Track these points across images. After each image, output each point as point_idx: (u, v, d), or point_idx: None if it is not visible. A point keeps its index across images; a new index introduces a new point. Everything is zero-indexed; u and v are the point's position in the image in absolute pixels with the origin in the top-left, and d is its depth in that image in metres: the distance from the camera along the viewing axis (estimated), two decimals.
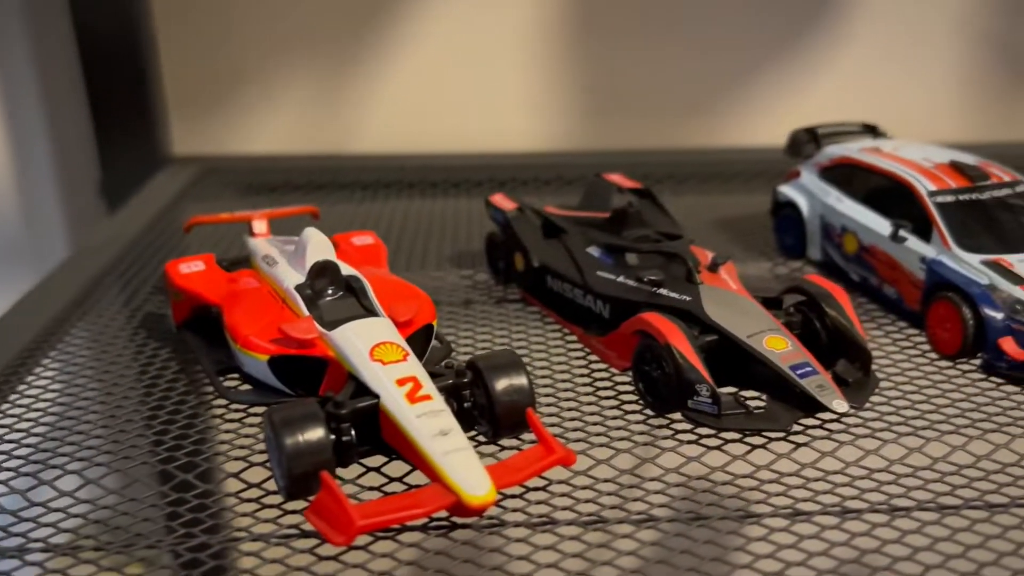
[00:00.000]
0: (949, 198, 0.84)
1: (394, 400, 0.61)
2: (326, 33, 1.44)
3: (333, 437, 0.60)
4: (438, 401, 0.61)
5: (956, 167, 0.87)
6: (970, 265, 0.79)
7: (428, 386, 0.62)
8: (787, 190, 1.01)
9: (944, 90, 1.52)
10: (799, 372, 0.67)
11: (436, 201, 1.28)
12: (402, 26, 1.44)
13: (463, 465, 0.56)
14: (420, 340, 0.73)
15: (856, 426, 0.69)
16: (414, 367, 0.63)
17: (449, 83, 1.47)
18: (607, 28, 1.46)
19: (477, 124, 1.49)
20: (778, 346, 0.69)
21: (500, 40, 1.45)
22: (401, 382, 0.62)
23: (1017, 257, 0.79)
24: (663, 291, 0.76)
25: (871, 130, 1.05)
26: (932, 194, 0.84)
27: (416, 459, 0.59)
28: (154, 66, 1.41)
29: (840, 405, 0.66)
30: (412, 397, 0.61)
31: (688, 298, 0.75)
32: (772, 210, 1.03)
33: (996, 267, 0.78)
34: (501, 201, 0.95)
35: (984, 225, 0.82)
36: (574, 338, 0.83)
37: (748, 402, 0.69)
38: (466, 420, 0.66)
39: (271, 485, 0.62)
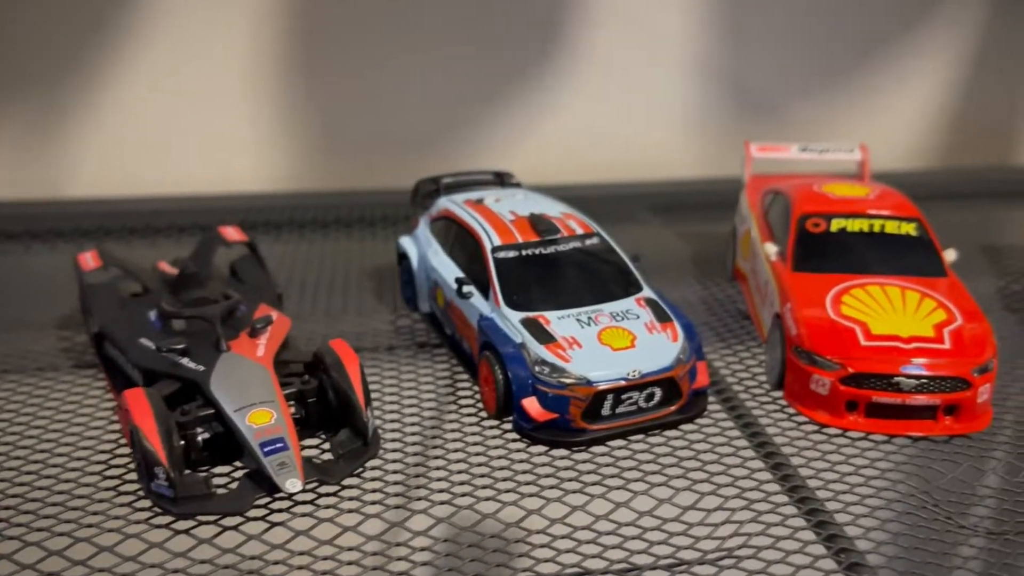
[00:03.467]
0: (510, 254, 0.83)
1: None
2: (31, 70, 1.38)
3: None
4: None
5: (531, 221, 0.87)
6: (511, 323, 0.78)
7: None
8: (404, 241, 0.99)
9: (678, 127, 1.55)
10: (267, 448, 0.65)
11: (130, 248, 1.22)
12: (116, 63, 1.38)
13: None
14: None
15: (353, 498, 0.67)
16: None
17: (166, 122, 1.41)
18: (323, 66, 1.43)
19: (197, 165, 1.44)
20: (260, 420, 0.67)
21: (219, 78, 1.41)
22: None
23: (558, 314, 0.78)
24: (183, 361, 0.73)
25: (500, 178, 1.04)
26: (494, 250, 0.83)
27: None
28: None
29: (293, 485, 0.63)
30: None
31: (201, 368, 0.72)
32: (398, 260, 1.01)
33: (533, 325, 0.77)
34: (84, 260, 0.91)
35: (537, 281, 0.81)
36: None
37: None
38: None
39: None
